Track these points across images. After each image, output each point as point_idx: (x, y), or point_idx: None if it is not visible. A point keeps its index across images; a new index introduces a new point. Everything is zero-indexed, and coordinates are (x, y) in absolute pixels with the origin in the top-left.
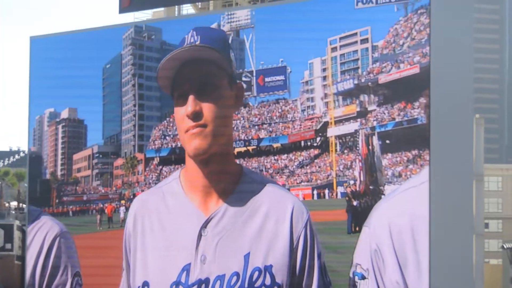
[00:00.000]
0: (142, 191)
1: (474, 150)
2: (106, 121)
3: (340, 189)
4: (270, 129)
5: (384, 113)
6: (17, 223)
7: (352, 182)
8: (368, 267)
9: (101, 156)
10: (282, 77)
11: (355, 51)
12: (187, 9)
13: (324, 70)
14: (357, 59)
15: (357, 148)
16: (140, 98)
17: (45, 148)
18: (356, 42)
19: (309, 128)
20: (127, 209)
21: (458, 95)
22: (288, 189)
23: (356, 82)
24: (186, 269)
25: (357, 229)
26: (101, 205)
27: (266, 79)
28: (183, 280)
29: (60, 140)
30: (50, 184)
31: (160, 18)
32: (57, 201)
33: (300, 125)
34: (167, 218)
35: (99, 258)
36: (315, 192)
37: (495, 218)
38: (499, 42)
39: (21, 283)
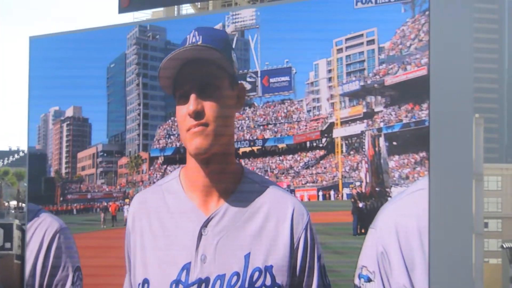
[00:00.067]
0: None
1: (474, 150)
2: (111, 120)
3: (346, 191)
4: (275, 129)
5: (391, 115)
6: (16, 222)
7: (358, 183)
8: (374, 269)
9: (105, 154)
10: (287, 78)
11: (361, 53)
12: (187, 9)
13: (329, 71)
14: (363, 61)
15: (363, 150)
16: (144, 97)
17: (49, 146)
18: (362, 43)
19: (314, 128)
20: None
21: (458, 95)
22: (293, 190)
23: (362, 83)
24: (186, 268)
25: (362, 231)
26: (105, 204)
27: (271, 80)
28: (183, 279)
29: (64, 139)
30: (54, 182)
31: (164, 17)
32: (61, 199)
33: (306, 125)
34: (167, 217)
35: (102, 257)
36: (320, 193)
37: (494, 218)
38: (498, 42)
39: (20, 282)
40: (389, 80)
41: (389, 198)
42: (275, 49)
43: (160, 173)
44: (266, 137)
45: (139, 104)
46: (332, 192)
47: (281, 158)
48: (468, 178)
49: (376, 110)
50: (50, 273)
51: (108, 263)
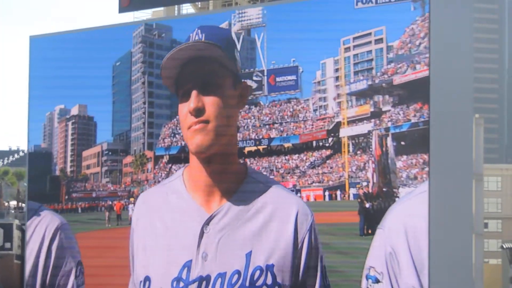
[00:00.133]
0: None
1: (474, 150)
2: (116, 119)
3: (353, 191)
4: (281, 128)
5: (399, 114)
6: (16, 222)
7: (364, 183)
8: (382, 270)
9: (110, 153)
10: (293, 77)
11: (369, 51)
12: (187, 8)
13: (337, 70)
14: (371, 60)
15: (370, 149)
16: (149, 96)
17: (55, 145)
18: (370, 42)
19: (321, 128)
20: None
21: (458, 95)
22: (299, 190)
23: (370, 82)
24: (187, 265)
25: (369, 231)
26: (110, 202)
27: (278, 79)
28: (184, 276)
29: (70, 137)
30: (59, 180)
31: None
32: (66, 197)
33: (312, 125)
34: (169, 215)
35: (105, 257)
36: (326, 193)
37: (494, 218)
38: (498, 42)
39: (20, 282)
40: (398, 79)
41: (396, 199)
42: (281, 48)
43: (165, 172)
44: (272, 136)
45: (144, 103)
46: (338, 192)
47: (287, 157)
48: (468, 178)
49: (383, 109)
50: (54, 267)
51: (111, 263)
